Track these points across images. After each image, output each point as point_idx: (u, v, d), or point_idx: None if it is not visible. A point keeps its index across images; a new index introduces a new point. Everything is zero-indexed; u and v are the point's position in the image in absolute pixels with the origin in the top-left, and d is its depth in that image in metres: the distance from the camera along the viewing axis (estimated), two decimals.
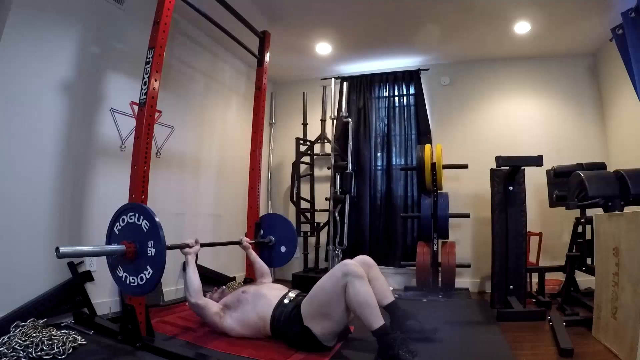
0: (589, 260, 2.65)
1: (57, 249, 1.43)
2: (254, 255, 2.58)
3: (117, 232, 1.77)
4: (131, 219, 1.72)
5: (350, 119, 3.87)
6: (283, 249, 2.81)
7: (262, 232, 2.88)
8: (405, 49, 3.81)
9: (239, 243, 2.58)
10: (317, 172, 4.18)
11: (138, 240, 1.69)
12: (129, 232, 1.73)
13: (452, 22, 3.25)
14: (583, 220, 2.71)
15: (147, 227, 1.67)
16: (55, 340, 1.70)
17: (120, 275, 1.74)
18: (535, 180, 3.38)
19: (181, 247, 1.97)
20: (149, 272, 1.64)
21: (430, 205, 3.41)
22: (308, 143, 4.08)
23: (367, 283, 1.72)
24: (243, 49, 2.97)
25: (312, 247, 3.95)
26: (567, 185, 2.82)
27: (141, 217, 1.69)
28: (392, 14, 3.15)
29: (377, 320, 1.65)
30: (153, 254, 1.64)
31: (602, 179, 2.48)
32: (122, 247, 1.67)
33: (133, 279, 1.69)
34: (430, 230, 3.38)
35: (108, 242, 1.80)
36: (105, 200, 2.40)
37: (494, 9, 3.00)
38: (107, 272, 1.79)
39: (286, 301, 1.90)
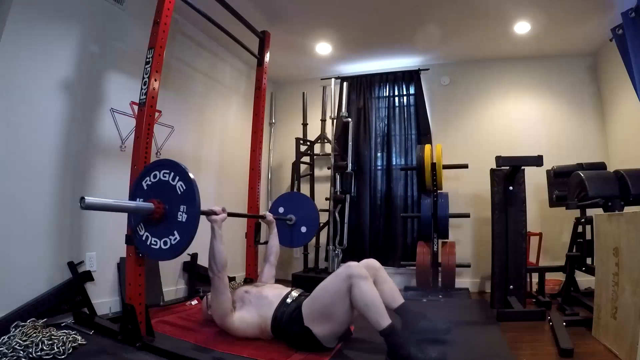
0: (589, 260, 2.65)
1: (82, 198, 1.34)
2: (275, 232, 2.60)
3: (145, 188, 1.65)
4: (164, 176, 1.60)
5: (350, 119, 3.87)
6: (304, 229, 2.77)
7: (282, 209, 2.82)
8: (405, 49, 3.81)
9: (263, 217, 2.62)
10: (317, 172, 4.18)
11: (169, 201, 1.57)
12: (159, 190, 1.61)
13: (452, 22, 3.24)
14: (583, 220, 2.71)
15: (182, 190, 1.55)
16: (55, 340, 1.69)
17: (142, 234, 1.63)
18: (535, 180, 3.38)
19: (207, 213, 1.84)
20: (176, 238, 1.54)
21: (430, 205, 3.41)
22: (308, 143, 4.08)
23: (372, 283, 1.72)
24: (243, 49, 2.96)
25: (312, 247, 3.94)
26: (567, 185, 2.82)
27: (177, 178, 1.58)
28: (392, 14, 3.15)
29: (384, 320, 1.64)
30: (184, 219, 1.53)
31: (602, 179, 2.48)
32: (150, 205, 1.57)
33: (155, 241, 1.60)
34: (430, 230, 3.37)
35: (132, 197, 1.68)
36: None
37: (494, 9, 3.00)
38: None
39: (289, 301, 1.89)
